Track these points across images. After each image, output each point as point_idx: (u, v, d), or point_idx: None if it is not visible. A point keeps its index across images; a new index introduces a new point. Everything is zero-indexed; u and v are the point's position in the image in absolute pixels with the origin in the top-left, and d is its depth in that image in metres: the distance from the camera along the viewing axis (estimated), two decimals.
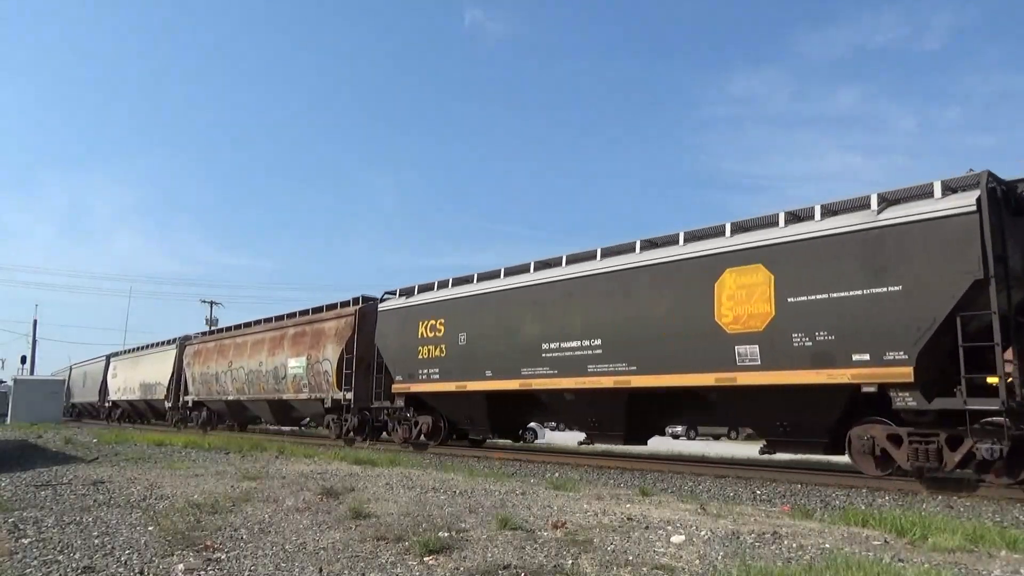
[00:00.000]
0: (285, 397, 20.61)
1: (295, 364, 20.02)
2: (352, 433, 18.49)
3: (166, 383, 28.89)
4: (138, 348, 33.78)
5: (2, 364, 55.27)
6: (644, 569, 4.10)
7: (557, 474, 10.80)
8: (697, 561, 4.29)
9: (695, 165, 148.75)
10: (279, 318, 22.34)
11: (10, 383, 35.72)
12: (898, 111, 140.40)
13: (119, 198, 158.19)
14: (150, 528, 5.28)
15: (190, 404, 27.04)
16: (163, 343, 30.57)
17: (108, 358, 37.52)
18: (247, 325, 24.31)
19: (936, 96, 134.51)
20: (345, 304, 19.46)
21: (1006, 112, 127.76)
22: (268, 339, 21.88)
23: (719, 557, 4.38)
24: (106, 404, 37.22)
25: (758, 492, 8.95)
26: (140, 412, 33.79)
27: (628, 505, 6.74)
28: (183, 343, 28.24)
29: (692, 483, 9.81)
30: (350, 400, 17.95)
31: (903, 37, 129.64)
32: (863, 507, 7.30)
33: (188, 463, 10.65)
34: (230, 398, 23.84)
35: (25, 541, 4.80)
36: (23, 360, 51.12)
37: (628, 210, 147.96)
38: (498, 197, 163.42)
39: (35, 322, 54.70)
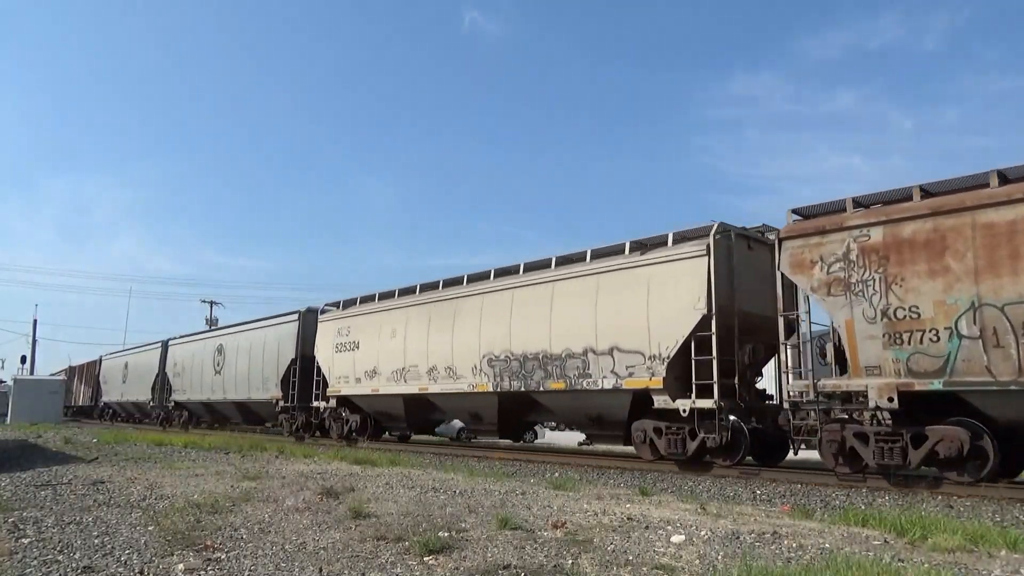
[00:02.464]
0: None
1: None
2: None
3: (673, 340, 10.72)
4: (440, 284, 15.79)
5: (2, 364, 55.38)
6: (644, 569, 4.10)
7: (557, 474, 10.80)
8: (697, 561, 4.29)
9: (695, 166, 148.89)
10: None
11: (10, 383, 35.78)
12: (897, 112, 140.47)
13: (118, 199, 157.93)
14: (150, 528, 5.28)
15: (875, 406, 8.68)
16: (603, 251, 12.51)
17: (304, 316, 20.10)
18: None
19: (934, 97, 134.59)
20: None
21: (1005, 113, 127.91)
22: None
23: (719, 557, 4.39)
24: (321, 405, 19.12)
25: (758, 492, 8.95)
26: (425, 416, 16.63)
27: (628, 505, 6.74)
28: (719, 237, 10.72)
29: (692, 483, 9.80)
30: None
31: (901, 38, 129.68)
32: (863, 507, 7.31)
33: (188, 463, 10.64)
34: None
35: (25, 541, 4.80)
36: (23, 360, 51.14)
37: (629, 210, 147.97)
38: (496, 197, 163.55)
39: (35, 322, 54.26)
